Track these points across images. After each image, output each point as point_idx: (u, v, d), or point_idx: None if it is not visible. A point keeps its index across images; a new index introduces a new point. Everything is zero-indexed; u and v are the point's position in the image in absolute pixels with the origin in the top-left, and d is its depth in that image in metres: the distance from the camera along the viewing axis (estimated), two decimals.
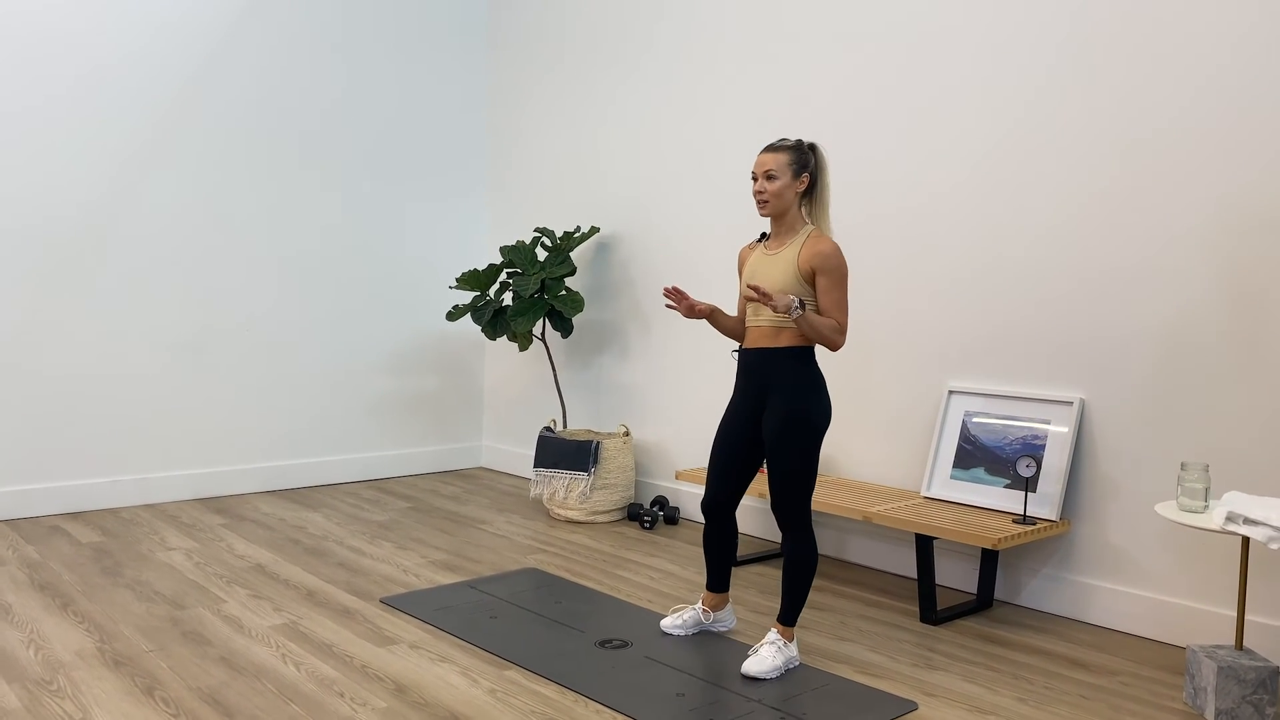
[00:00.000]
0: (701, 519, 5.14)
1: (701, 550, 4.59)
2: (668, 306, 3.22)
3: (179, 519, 4.95)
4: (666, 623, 3.43)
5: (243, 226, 5.53)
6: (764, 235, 3.28)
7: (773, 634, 3.14)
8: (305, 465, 5.81)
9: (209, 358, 5.44)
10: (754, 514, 4.85)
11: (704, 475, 4.46)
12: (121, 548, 4.40)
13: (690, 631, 3.42)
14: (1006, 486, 3.81)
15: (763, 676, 3.05)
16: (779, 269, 3.14)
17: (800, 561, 3.12)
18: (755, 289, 3.00)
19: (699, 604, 3.46)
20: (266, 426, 5.66)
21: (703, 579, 4.14)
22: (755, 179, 3.16)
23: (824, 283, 3.09)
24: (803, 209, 3.20)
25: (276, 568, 4.16)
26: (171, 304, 5.31)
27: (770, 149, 3.17)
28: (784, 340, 3.13)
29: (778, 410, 3.11)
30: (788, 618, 3.15)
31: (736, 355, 3.36)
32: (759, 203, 3.16)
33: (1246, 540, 2.91)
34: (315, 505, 5.34)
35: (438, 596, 3.81)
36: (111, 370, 5.13)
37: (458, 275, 5.63)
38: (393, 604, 3.71)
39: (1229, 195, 3.35)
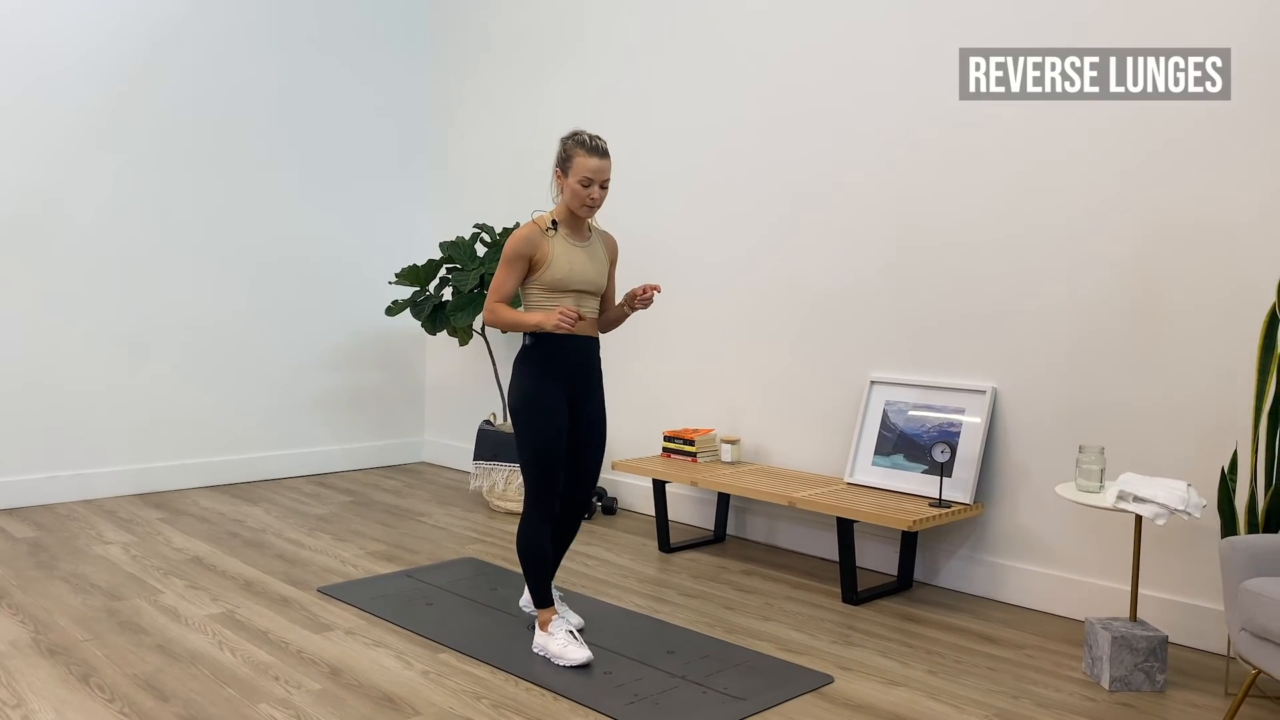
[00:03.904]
0: (642, 510, 5.25)
1: (636, 538, 4.70)
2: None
3: (116, 514, 4.95)
4: (582, 655, 3.11)
5: (184, 222, 5.54)
6: (555, 223, 3.17)
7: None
8: (245, 460, 5.83)
9: (148, 353, 5.44)
10: (688, 502, 4.98)
11: (640, 465, 4.59)
12: (57, 542, 4.41)
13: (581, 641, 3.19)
14: (924, 472, 3.98)
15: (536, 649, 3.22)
16: (598, 263, 3.25)
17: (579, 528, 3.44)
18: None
19: (563, 622, 3.22)
20: (206, 421, 5.67)
21: (639, 566, 4.26)
22: (589, 184, 3.07)
23: (613, 270, 3.36)
24: None
25: (214, 560, 4.20)
26: (110, 299, 5.30)
27: (606, 155, 3.11)
28: (594, 329, 3.28)
29: (597, 397, 3.31)
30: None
31: (532, 343, 3.16)
32: (587, 207, 3.11)
33: (1139, 518, 3.10)
34: (255, 500, 5.37)
35: (375, 585, 3.89)
36: (48, 365, 5.11)
37: (397, 271, 5.69)
38: (330, 593, 3.78)
39: (1133, 196, 3.54)
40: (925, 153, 4.08)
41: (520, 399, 3.16)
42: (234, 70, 5.69)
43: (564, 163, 3.14)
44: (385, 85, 6.34)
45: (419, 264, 5.65)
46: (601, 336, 3.38)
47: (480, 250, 5.76)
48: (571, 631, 3.18)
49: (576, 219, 3.20)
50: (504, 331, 3.21)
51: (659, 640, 3.33)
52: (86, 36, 5.17)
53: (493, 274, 5.41)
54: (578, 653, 3.10)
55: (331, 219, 6.13)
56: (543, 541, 3.18)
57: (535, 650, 3.20)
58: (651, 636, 3.36)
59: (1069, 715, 2.86)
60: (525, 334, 3.17)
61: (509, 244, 3.13)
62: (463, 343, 5.60)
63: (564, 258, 3.15)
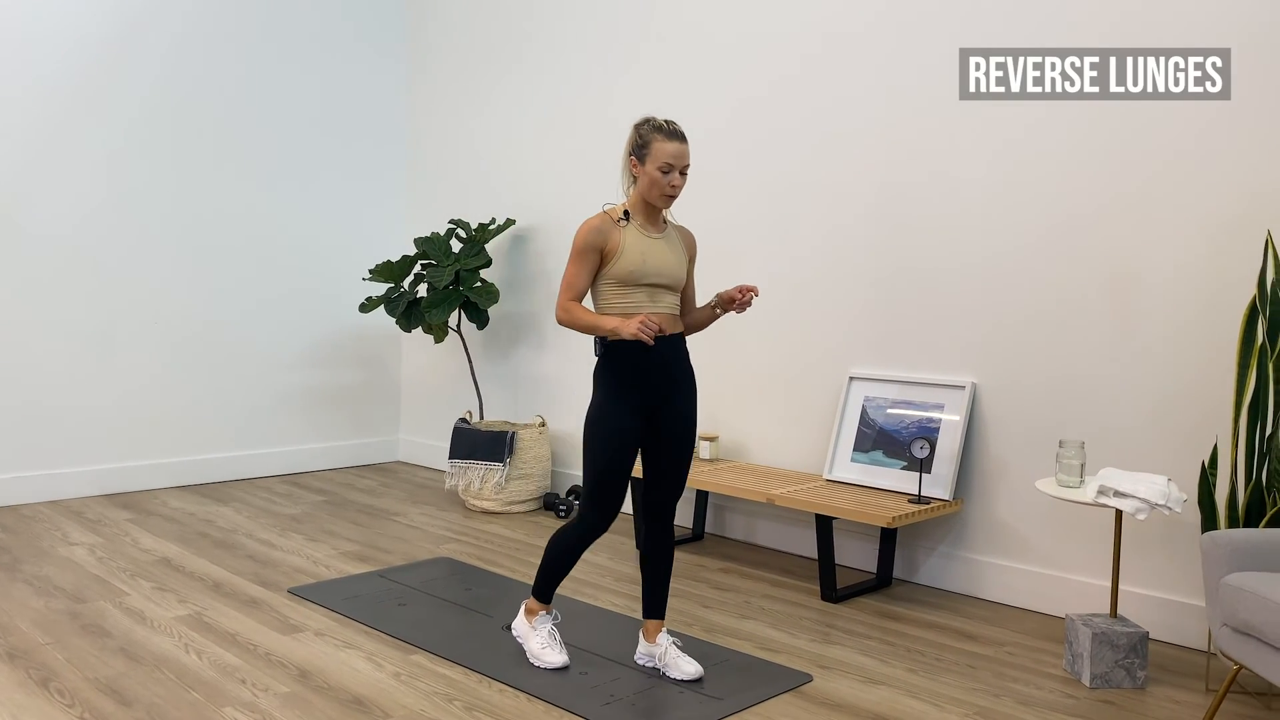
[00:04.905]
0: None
1: (613, 536, 4.64)
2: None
3: (83, 515, 4.85)
4: (558, 659, 3.08)
5: (155, 216, 5.43)
6: (626, 213, 2.95)
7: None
8: (217, 460, 5.73)
9: (117, 349, 5.33)
10: None
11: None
12: (21, 544, 4.30)
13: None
14: (904, 468, 3.95)
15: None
16: (676, 255, 3.00)
17: (672, 553, 3.10)
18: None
19: (548, 620, 3.16)
20: (176, 420, 5.57)
21: (616, 565, 4.21)
22: (669, 171, 2.86)
23: (692, 268, 3.09)
24: None
25: (183, 561, 4.11)
26: (78, 294, 5.19)
27: (685, 139, 2.91)
28: (678, 326, 3.04)
29: (687, 401, 3.02)
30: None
31: (605, 352, 2.95)
32: (667, 196, 2.89)
33: (1119, 514, 3.07)
34: (226, 500, 5.28)
35: (346, 586, 3.82)
36: (14, 362, 4.99)
37: (371, 267, 5.61)
38: (300, 594, 3.70)
39: (1117, 193, 3.52)
40: (908, 150, 4.05)
41: (593, 413, 2.95)
42: (208, 66, 5.59)
43: (639, 150, 2.88)
44: (360, 81, 6.25)
45: (393, 260, 5.58)
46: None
47: (455, 246, 5.69)
48: (553, 632, 3.12)
49: (651, 210, 2.95)
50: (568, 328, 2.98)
51: (636, 640, 3.27)
52: (56, 31, 5.06)
53: (468, 270, 5.36)
54: (555, 656, 3.04)
55: (305, 215, 6.04)
56: (576, 550, 3.04)
57: (513, 633, 3.14)
58: (628, 636, 3.30)
59: (1050, 713, 2.83)
60: (598, 341, 2.95)
61: (578, 236, 2.90)
62: (438, 340, 5.53)
63: (636, 248, 2.90)
